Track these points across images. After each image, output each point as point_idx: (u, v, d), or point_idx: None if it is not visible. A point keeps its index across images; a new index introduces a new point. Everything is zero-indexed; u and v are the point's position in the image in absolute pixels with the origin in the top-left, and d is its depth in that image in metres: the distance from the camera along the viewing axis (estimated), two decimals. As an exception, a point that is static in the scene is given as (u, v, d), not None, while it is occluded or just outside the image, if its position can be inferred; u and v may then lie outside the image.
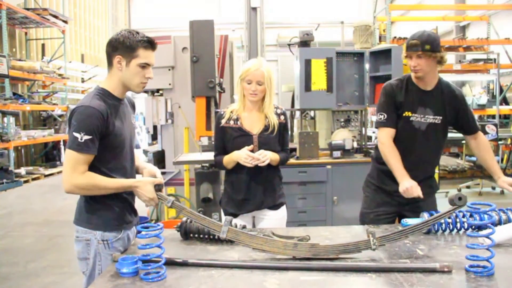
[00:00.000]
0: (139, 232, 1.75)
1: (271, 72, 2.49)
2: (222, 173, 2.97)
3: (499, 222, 2.05)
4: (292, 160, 4.42)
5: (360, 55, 5.06)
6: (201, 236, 2.07)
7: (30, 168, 9.92)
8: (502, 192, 7.20)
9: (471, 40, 9.84)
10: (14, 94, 9.59)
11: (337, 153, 4.59)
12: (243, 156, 2.44)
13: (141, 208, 2.19)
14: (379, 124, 2.60)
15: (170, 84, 5.05)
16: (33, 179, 9.26)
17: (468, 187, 7.49)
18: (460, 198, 1.72)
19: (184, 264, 1.76)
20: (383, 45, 7.04)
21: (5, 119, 9.13)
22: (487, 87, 11.03)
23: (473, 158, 7.29)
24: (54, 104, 11.06)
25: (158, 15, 16.23)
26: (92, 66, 14.00)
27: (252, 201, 2.55)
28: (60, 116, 11.29)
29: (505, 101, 9.70)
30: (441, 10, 10.95)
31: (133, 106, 2.20)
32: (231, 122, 2.55)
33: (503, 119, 9.62)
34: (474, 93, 11.47)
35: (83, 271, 1.98)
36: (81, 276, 2.02)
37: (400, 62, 4.73)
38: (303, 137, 4.54)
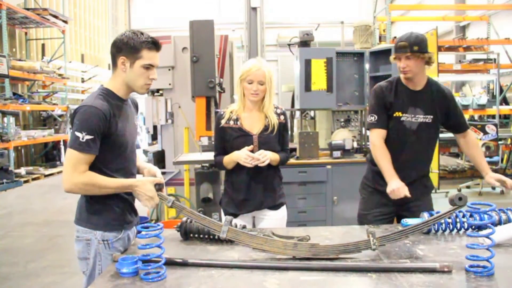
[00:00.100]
0: (139, 232, 1.75)
1: (271, 71, 2.50)
2: (222, 173, 2.97)
3: (499, 222, 2.05)
4: (292, 160, 4.42)
5: (360, 55, 5.06)
6: (201, 236, 2.07)
7: (30, 168, 9.92)
8: (502, 192, 7.20)
9: (471, 40, 9.84)
10: (14, 94, 9.58)
11: (337, 153, 4.59)
12: (243, 156, 2.44)
13: (141, 208, 2.19)
14: (370, 126, 2.65)
15: (170, 84, 5.05)
16: (33, 179, 9.26)
17: (468, 187, 7.49)
18: (460, 198, 1.72)
19: (184, 264, 1.76)
20: (383, 45, 7.04)
21: (5, 119, 9.13)
22: (487, 87, 11.03)
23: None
24: (54, 104, 11.06)
25: (158, 15, 16.23)
26: (92, 66, 14.00)
27: (252, 201, 2.55)
28: (60, 116, 11.29)
29: (505, 101, 9.70)
30: (441, 10, 10.94)
31: (136, 107, 2.19)
32: (231, 122, 2.55)
33: (503, 119, 9.62)
34: (474, 93, 11.47)
35: (83, 271, 1.98)
36: (81, 276, 2.02)
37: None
38: (303, 137, 4.54)
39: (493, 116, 8.80)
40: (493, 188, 7.40)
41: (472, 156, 2.69)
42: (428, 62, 2.51)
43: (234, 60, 5.52)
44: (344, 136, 4.77)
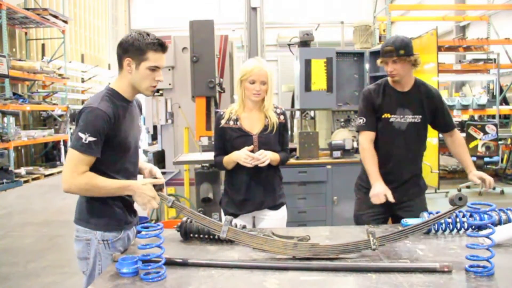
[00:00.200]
0: (139, 232, 1.75)
1: (272, 71, 2.51)
2: (222, 173, 2.97)
3: (499, 222, 2.05)
4: (292, 160, 4.42)
5: (360, 55, 5.06)
6: (201, 236, 2.07)
7: (30, 168, 9.92)
8: (502, 192, 7.20)
9: (471, 40, 9.83)
10: (14, 94, 9.58)
11: (337, 153, 4.59)
12: (243, 156, 2.44)
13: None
14: (359, 128, 2.74)
15: (170, 84, 5.05)
16: (33, 179, 9.25)
17: (468, 187, 7.49)
18: (460, 198, 1.72)
19: (184, 264, 1.76)
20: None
21: (5, 119, 9.13)
22: (487, 87, 11.03)
23: (473, 158, 7.28)
24: (54, 104, 11.06)
25: (158, 15, 16.22)
26: (92, 66, 14.01)
27: (252, 201, 2.55)
28: (60, 116, 11.29)
29: (505, 101, 9.70)
30: (441, 10, 10.94)
31: (140, 108, 2.19)
32: (231, 123, 2.55)
33: (503, 119, 9.61)
34: (474, 93, 11.48)
35: (83, 271, 1.98)
36: (81, 276, 2.02)
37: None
38: (303, 137, 4.54)
39: (493, 116, 8.79)
40: (493, 188, 7.40)
41: (458, 154, 2.75)
42: (414, 64, 2.57)
43: (234, 60, 5.52)
44: (344, 136, 4.77)
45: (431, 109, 2.66)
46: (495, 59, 9.01)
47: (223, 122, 2.57)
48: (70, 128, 11.50)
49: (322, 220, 4.48)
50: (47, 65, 10.60)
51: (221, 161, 2.58)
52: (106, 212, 1.95)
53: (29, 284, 3.92)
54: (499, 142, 7.51)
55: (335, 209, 4.54)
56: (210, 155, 3.45)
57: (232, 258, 1.86)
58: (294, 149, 4.57)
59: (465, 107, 8.78)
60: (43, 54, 11.79)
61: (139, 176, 2.15)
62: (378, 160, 2.65)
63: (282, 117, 2.60)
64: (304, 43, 4.90)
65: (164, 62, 1.98)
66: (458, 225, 2.10)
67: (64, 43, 11.64)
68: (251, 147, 2.48)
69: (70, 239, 2.02)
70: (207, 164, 4.05)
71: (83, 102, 13.63)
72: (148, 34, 1.92)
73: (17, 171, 9.05)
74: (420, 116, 2.64)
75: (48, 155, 11.31)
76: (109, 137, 1.88)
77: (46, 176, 9.72)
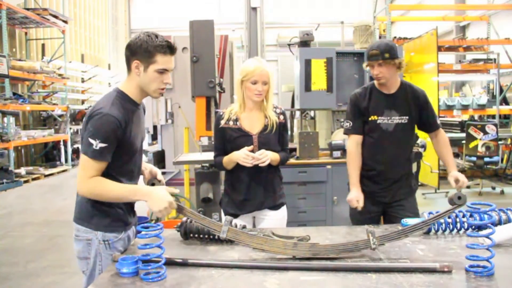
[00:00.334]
0: (139, 232, 1.75)
1: (272, 71, 2.52)
2: (222, 173, 2.97)
3: (499, 222, 2.05)
4: (292, 160, 4.42)
5: (360, 55, 5.06)
6: (201, 236, 2.07)
7: (30, 168, 9.91)
8: (502, 192, 7.20)
9: (471, 40, 9.84)
10: (14, 94, 9.58)
11: (337, 153, 4.59)
12: (242, 156, 2.44)
13: (141, 208, 2.19)
14: (345, 131, 2.86)
15: (170, 84, 5.03)
16: (33, 179, 9.25)
17: (468, 187, 7.49)
18: (459, 197, 1.72)
19: (184, 264, 1.76)
20: (383, 45, 7.02)
21: (5, 119, 9.13)
22: (487, 87, 11.02)
23: (473, 158, 7.29)
24: (54, 104, 11.05)
25: (158, 15, 16.24)
26: (92, 66, 14.01)
27: (252, 202, 2.55)
28: (60, 116, 11.29)
29: (505, 101, 9.70)
30: (441, 10, 10.94)
31: (144, 110, 2.19)
32: (231, 123, 2.55)
33: (503, 119, 9.61)
34: (474, 93, 11.47)
35: (83, 271, 1.97)
36: (81, 276, 2.02)
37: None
38: (303, 137, 4.54)
39: (493, 116, 8.80)
40: (493, 188, 7.41)
41: (441, 154, 2.81)
42: (399, 67, 2.66)
43: (234, 60, 5.52)
44: (344, 136, 4.76)
45: (417, 109, 2.73)
46: (495, 59, 9.01)
47: (222, 122, 2.57)
48: (70, 128, 11.51)
49: (322, 220, 4.48)
50: (47, 65, 10.60)
51: (221, 161, 2.58)
52: (107, 213, 1.94)
53: (29, 284, 3.92)
54: (499, 142, 7.51)
55: (335, 209, 4.54)
56: (210, 155, 3.45)
57: (232, 258, 1.86)
58: (294, 149, 4.57)
59: (465, 107, 8.78)
60: (43, 54, 11.79)
61: (140, 177, 2.15)
62: (368, 162, 2.77)
63: (282, 117, 2.60)
64: (304, 43, 4.90)
65: (172, 64, 1.96)
66: (458, 225, 2.10)
67: (64, 43, 11.64)
68: (250, 147, 2.48)
69: (70, 239, 2.02)
70: (207, 164, 4.05)
71: (83, 102, 13.64)
72: (156, 36, 1.90)
73: (17, 171, 9.05)
74: (407, 117, 2.71)
75: (48, 155, 11.31)
76: (119, 142, 1.88)
77: (46, 176, 9.72)
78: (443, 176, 7.71)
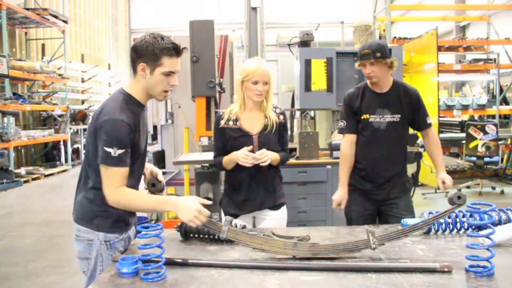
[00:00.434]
0: (139, 232, 1.75)
1: (272, 71, 2.52)
2: (222, 173, 2.97)
3: (499, 222, 2.05)
4: (292, 160, 4.42)
5: (360, 55, 5.05)
6: (201, 236, 2.07)
7: (30, 168, 9.91)
8: (502, 192, 7.20)
9: (471, 40, 9.84)
10: (14, 94, 9.58)
11: (337, 153, 4.57)
12: (241, 156, 2.44)
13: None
14: (339, 131, 2.92)
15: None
16: (33, 179, 9.25)
17: (468, 187, 7.49)
18: (459, 197, 1.72)
19: (184, 264, 1.76)
20: (383, 45, 7.03)
21: (5, 119, 9.13)
22: (487, 87, 11.03)
23: (473, 158, 7.29)
24: (54, 104, 11.05)
25: (158, 15, 16.23)
26: (92, 66, 14.00)
27: (252, 202, 2.55)
28: (60, 116, 11.29)
29: (505, 101, 9.70)
30: (441, 10, 10.95)
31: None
32: (231, 123, 2.55)
33: (503, 119, 9.62)
34: (474, 93, 11.48)
35: (83, 271, 1.97)
36: (81, 276, 2.02)
37: (400, 62, 4.73)
38: (303, 137, 4.54)
39: (493, 116, 8.80)
40: (493, 188, 7.41)
41: (431, 154, 2.86)
42: (390, 66, 2.69)
43: (234, 60, 5.51)
44: (344, 136, 4.77)
45: (409, 108, 2.76)
46: (495, 59, 9.01)
47: (222, 122, 2.57)
48: (70, 128, 11.51)
49: (322, 220, 4.48)
50: (47, 65, 10.60)
51: (221, 161, 2.58)
52: (109, 214, 1.93)
53: (29, 284, 3.92)
54: (499, 142, 7.51)
55: (335, 209, 4.52)
56: (210, 155, 3.45)
57: (232, 258, 1.86)
58: (294, 149, 4.57)
59: (465, 107, 8.78)
60: (43, 54, 11.79)
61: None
62: (361, 160, 2.81)
63: (281, 117, 2.60)
64: (304, 43, 4.90)
65: (179, 66, 1.94)
66: (458, 225, 2.10)
67: (64, 43, 11.64)
68: (250, 147, 2.48)
69: (70, 239, 2.02)
70: (207, 164, 4.05)
71: (83, 102, 13.64)
72: (162, 38, 1.88)
73: (17, 171, 9.05)
74: (399, 115, 2.74)
75: (48, 155, 11.31)
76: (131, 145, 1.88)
77: (46, 176, 9.72)
78: (443, 176, 7.72)
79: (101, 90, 15.06)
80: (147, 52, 1.87)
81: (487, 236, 1.64)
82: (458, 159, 9.31)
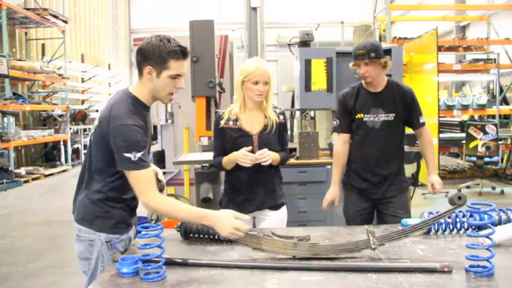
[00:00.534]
0: (139, 232, 1.75)
1: (272, 71, 2.52)
2: (222, 173, 2.97)
3: (499, 222, 2.05)
4: (292, 160, 4.42)
5: (360, 55, 5.04)
6: (201, 236, 2.07)
7: (30, 168, 9.91)
8: (502, 192, 7.20)
9: (471, 40, 9.84)
10: (14, 94, 9.58)
11: (337, 153, 4.58)
12: (240, 156, 2.44)
13: (141, 208, 2.18)
14: (333, 129, 2.96)
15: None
16: (33, 179, 9.25)
17: (468, 187, 7.49)
18: (459, 198, 1.72)
19: (184, 264, 1.76)
20: (383, 45, 7.03)
21: (5, 119, 9.13)
22: (487, 87, 11.03)
23: (473, 158, 7.29)
24: (54, 104, 11.05)
25: (158, 15, 16.23)
26: (92, 66, 14.00)
27: (252, 202, 2.55)
28: (60, 116, 11.29)
29: (505, 101, 9.70)
30: (441, 10, 10.95)
31: None
32: (230, 123, 2.55)
33: (503, 119, 9.62)
34: (474, 93, 11.48)
35: (84, 271, 1.97)
36: (81, 276, 2.02)
37: (400, 62, 4.73)
38: (303, 137, 4.54)
39: (493, 116, 8.80)
40: (493, 188, 7.41)
41: (424, 154, 2.88)
42: (384, 66, 2.70)
43: (234, 60, 5.51)
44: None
45: (404, 106, 2.77)
46: (495, 59, 9.01)
47: (222, 122, 2.56)
48: (70, 128, 11.51)
49: (322, 220, 4.47)
50: (47, 65, 10.60)
51: (220, 161, 2.58)
52: (112, 214, 1.94)
53: (29, 284, 3.92)
54: (499, 142, 7.51)
55: (335, 209, 4.50)
56: (210, 155, 3.44)
57: (232, 258, 1.86)
58: (294, 149, 4.56)
59: (465, 107, 8.78)
60: (43, 54, 11.79)
61: None
62: (357, 159, 2.84)
63: (281, 117, 2.60)
64: (304, 43, 4.89)
65: (185, 69, 1.93)
66: (458, 225, 2.10)
67: (64, 43, 11.64)
68: (249, 148, 2.48)
69: (70, 239, 2.02)
70: (207, 164, 4.05)
71: (83, 102, 13.64)
72: (169, 41, 1.87)
73: (17, 171, 9.05)
74: (393, 114, 2.76)
75: (48, 155, 11.31)
76: None
77: (46, 176, 9.71)
78: (443, 176, 7.71)
79: (101, 90, 15.06)
80: (154, 55, 1.85)
81: (487, 236, 1.64)
82: (458, 159, 9.32)
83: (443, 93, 11.54)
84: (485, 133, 7.01)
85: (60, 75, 11.14)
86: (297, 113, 5.72)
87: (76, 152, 12.06)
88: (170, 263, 1.73)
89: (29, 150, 10.89)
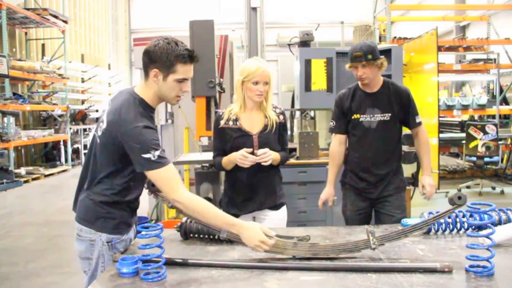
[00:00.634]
0: (139, 232, 1.75)
1: (272, 71, 2.52)
2: (222, 173, 2.97)
3: (499, 222, 2.05)
4: (292, 160, 4.42)
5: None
6: (201, 236, 2.07)
7: (30, 168, 9.91)
8: (502, 192, 7.20)
9: (471, 40, 9.84)
10: (14, 94, 9.58)
11: (337, 153, 4.57)
12: (238, 157, 2.44)
13: (141, 208, 2.19)
14: (329, 130, 3.01)
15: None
16: (33, 179, 9.25)
17: (468, 187, 7.49)
18: (459, 197, 1.72)
19: (184, 264, 1.76)
20: (383, 45, 7.03)
21: (5, 119, 9.13)
22: (487, 87, 11.04)
23: (473, 158, 7.29)
24: (54, 104, 11.05)
25: (158, 15, 16.23)
26: (92, 66, 14.00)
27: (252, 202, 2.55)
28: (60, 116, 11.29)
29: (505, 101, 9.70)
30: (441, 10, 10.95)
31: None
32: (230, 123, 2.55)
33: (503, 119, 9.62)
34: (474, 93, 11.48)
35: (84, 270, 1.97)
36: (81, 276, 2.01)
37: (400, 62, 4.73)
38: (303, 137, 4.54)
39: (493, 116, 8.80)
40: (493, 188, 7.41)
41: (419, 154, 2.89)
42: (380, 66, 2.72)
43: (234, 60, 5.51)
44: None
45: (399, 106, 2.78)
46: (495, 59, 9.01)
47: (222, 122, 2.57)
48: (70, 128, 11.50)
49: (322, 220, 4.47)
50: (47, 65, 10.59)
51: (220, 161, 2.58)
52: (114, 215, 1.93)
53: (29, 284, 3.92)
54: (499, 142, 7.51)
55: (335, 209, 4.50)
56: (210, 155, 3.44)
57: (232, 258, 1.86)
58: (294, 149, 4.56)
59: (465, 107, 8.78)
60: (43, 54, 11.79)
61: None
62: (354, 159, 2.85)
63: (281, 117, 2.60)
64: (304, 43, 4.89)
65: (192, 73, 1.92)
66: (458, 225, 2.10)
67: (64, 43, 11.64)
68: (250, 150, 2.47)
69: (70, 239, 2.02)
70: (207, 164, 4.05)
71: (83, 102, 13.64)
72: (176, 44, 1.85)
73: (17, 171, 9.05)
74: (390, 114, 2.76)
75: (48, 155, 11.31)
76: None
77: (46, 176, 9.71)
78: (443, 176, 7.72)
79: (101, 90, 15.06)
80: (161, 59, 1.84)
81: (487, 236, 1.64)
82: (458, 159, 9.32)
83: (443, 93, 11.54)
84: (485, 133, 7.01)
85: (60, 75, 11.14)
86: (297, 113, 5.72)
87: (76, 152, 12.05)
88: (170, 263, 1.73)
89: (29, 150, 10.89)
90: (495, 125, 7.14)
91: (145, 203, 4.91)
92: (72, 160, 11.43)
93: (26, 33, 11.40)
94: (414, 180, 4.59)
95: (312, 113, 5.43)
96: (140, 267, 1.67)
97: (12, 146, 8.79)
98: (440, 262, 1.66)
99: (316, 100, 4.72)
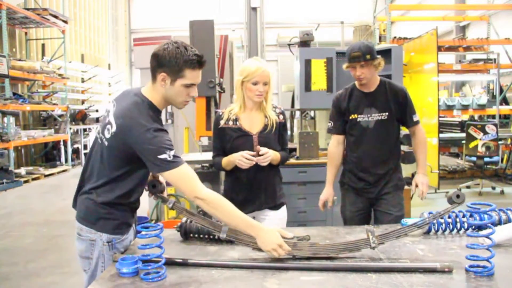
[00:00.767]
0: (139, 232, 1.75)
1: (271, 71, 2.52)
2: (222, 173, 2.97)
3: (499, 222, 2.05)
4: (292, 160, 4.42)
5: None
6: (201, 236, 2.07)
7: (30, 168, 9.91)
8: (502, 192, 7.20)
9: (471, 40, 9.84)
10: (14, 94, 9.58)
11: (337, 153, 4.57)
12: (237, 158, 2.44)
13: (141, 208, 2.19)
14: (328, 131, 3.02)
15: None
16: (33, 179, 9.25)
17: (468, 187, 7.49)
18: (458, 196, 1.73)
19: (184, 264, 1.76)
20: (383, 45, 7.04)
21: (5, 119, 9.13)
22: (487, 87, 11.04)
23: (473, 158, 7.29)
24: (54, 104, 11.05)
25: (158, 15, 16.23)
26: (92, 66, 14.00)
27: (252, 202, 2.55)
28: (60, 116, 11.29)
29: (505, 101, 9.70)
30: (441, 10, 10.95)
31: None
32: (230, 123, 2.55)
33: (503, 119, 9.62)
34: (474, 93, 11.48)
35: (84, 269, 1.97)
36: (81, 276, 2.01)
37: (400, 62, 4.73)
38: (303, 137, 4.54)
39: (493, 116, 8.80)
40: (493, 188, 7.41)
41: (415, 152, 2.89)
42: (377, 66, 2.73)
43: (234, 60, 5.52)
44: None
45: (396, 105, 2.78)
46: (495, 59, 9.01)
47: (222, 122, 2.57)
48: (70, 128, 11.50)
49: (322, 220, 4.47)
50: (47, 65, 10.59)
51: (220, 162, 2.58)
52: (114, 215, 1.93)
53: (29, 284, 3.92)
54: (499, 142, 7.51)
55: (335, 209, 4.51)
56: (210, 155, 3.44)
57: (232, 258, 1.86)
58: (294, 149, 4.57)
59: (465, 107, 8.78)
60: (43, 54, 11.79)
61: None
62: (352, 159, 2.86)
63: (281, 116, 2.61)
64: (304, 43, 4.89)
65: (200, 78, 1.91)
66: (458, 225, 2.10)
67: (64, 43, 11.64)
68: (252, 153, 2.46)
69: (70, 239, 2.02)
70: (207, 164, 4.06)
71: (83, 102, 13.64)
72: (186, 48, 1.85)
73: (17, 171, 9.05)
74: (387, 113, 2.77)
75: (48, 155, 11.31)
76: None
77: (46, 176, 9.71)
78: (443, 176, 7.72)
79: (101, 90, 15.06)
80: (170, 63, 1.83)
81: (487, 236, 1.64)
82: (458, 159, 9.32)
83: (443, 93, 11.54)
84: (485, 133, 7.01)
85: (60, 75, 11.14)
86: (297, 113, 5.72)
87: (76, 152, 12.05)
88: (170, 263, 1.73)
89: (29, 150, 10.89)
90: (495, 125, 7.14)
91: (145, 203, 4.90)
92: (72, 160, 11.43)
93: (26, 33, 11.40)
94: (414, 180, 4.58)
95: (312, 113, 5.43)
96: (140, 267, 1.67)
97: (12, 146, 8.79)
98: (440, 262, 1.66)
99: (316, 100, 4.72)
